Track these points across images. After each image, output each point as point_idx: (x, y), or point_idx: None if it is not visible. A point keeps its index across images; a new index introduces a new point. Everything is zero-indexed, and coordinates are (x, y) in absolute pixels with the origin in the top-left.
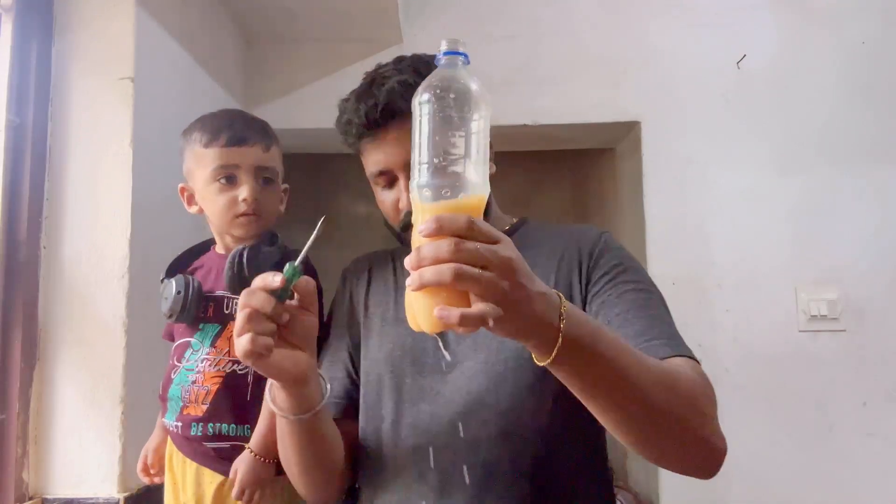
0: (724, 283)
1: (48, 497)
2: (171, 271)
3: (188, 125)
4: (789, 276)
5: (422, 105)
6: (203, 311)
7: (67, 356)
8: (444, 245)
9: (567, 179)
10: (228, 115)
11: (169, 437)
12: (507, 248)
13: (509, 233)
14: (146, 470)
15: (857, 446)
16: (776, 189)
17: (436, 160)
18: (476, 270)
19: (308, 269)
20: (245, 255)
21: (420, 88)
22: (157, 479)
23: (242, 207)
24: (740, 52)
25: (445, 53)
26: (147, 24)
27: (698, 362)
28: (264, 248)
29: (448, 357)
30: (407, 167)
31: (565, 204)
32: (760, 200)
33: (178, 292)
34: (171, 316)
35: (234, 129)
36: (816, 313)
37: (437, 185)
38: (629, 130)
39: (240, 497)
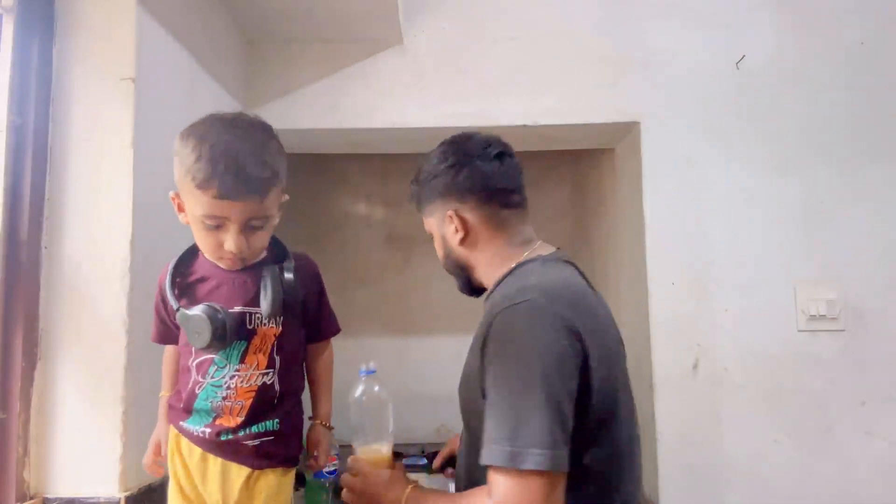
0: (724, 283)
1: (49, 496)
2: (177, 290)
3: (188, 130)
4: (789, 275)
5: (355, 400)
6: None
7: (68, 356)
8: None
9: (567, 179)
10: (228, 155)
11: (176, 433)
12: (359, 482)
13: (491, 291)
14: (156, 457)
15: (857, 446)
16: (776, 189)
17: (358, 426)
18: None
19: (306, 265)
20: (283, 281)
21: (352, 394)
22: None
23: (226, 254)
24: (740, 53)
25: (366, 372)
26: (148, 25)
27: (513, 468)
28: (290, 271)
29: None
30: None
31: (565, 204)
32: (760, 200)
33: (215, 331)
34: (204, 346)
35: (228, 180)
36: (816, 313)
37: (356, 439)
38: (629, 130)
39: (325, 464)
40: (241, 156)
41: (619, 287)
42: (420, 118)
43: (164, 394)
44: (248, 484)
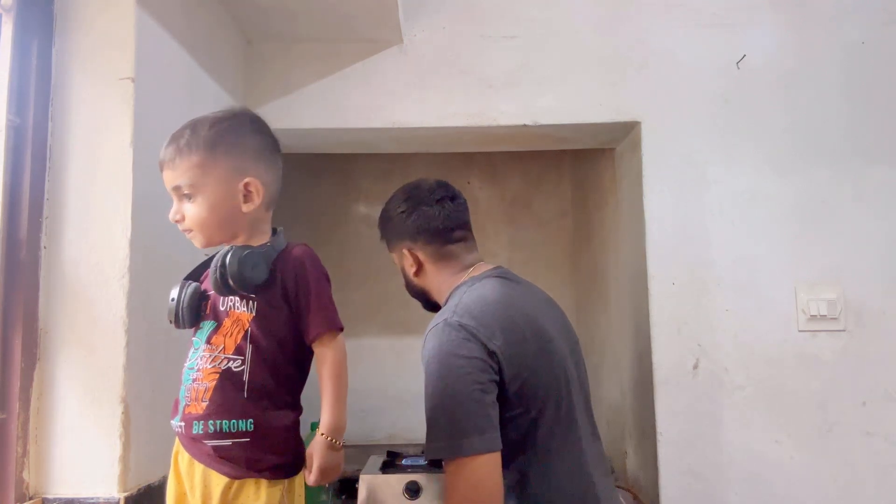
0: (724, 283)
1: (48, 497)
2: (186, 279)
3: None
4: (789, 276)
5: None
6: (203, 311)
7: (68, 356)
8: None
9: (567, 179)
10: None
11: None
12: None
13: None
14: None
15: (857, 446)
16: (776, 189)
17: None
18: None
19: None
20: (227, 258)
21: None
22: None
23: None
24: (740, 52)
25: None
26: (147, 25)
27: (454, 458)
28: (247, 250)
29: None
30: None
31: (565, 204)
32: (760, 200)
33: (172, 299)
34: (170, 322)
35: (161, 153)
36: (816, 313)
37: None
38: (629, 130)
39: (318, 483)
40: (179, 129)
41: (620, 287)
42: (420, 118)
43: None
44: (227, 497)
